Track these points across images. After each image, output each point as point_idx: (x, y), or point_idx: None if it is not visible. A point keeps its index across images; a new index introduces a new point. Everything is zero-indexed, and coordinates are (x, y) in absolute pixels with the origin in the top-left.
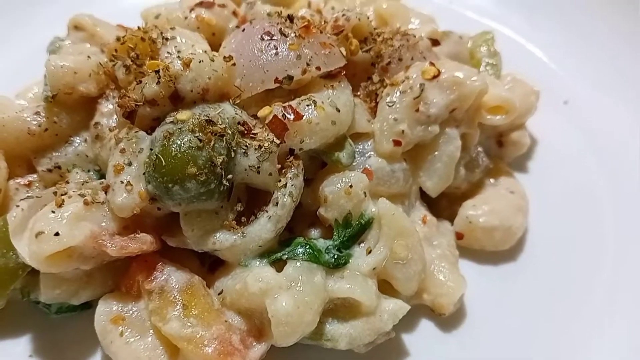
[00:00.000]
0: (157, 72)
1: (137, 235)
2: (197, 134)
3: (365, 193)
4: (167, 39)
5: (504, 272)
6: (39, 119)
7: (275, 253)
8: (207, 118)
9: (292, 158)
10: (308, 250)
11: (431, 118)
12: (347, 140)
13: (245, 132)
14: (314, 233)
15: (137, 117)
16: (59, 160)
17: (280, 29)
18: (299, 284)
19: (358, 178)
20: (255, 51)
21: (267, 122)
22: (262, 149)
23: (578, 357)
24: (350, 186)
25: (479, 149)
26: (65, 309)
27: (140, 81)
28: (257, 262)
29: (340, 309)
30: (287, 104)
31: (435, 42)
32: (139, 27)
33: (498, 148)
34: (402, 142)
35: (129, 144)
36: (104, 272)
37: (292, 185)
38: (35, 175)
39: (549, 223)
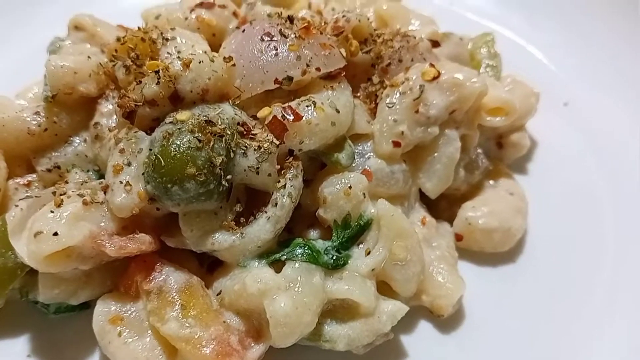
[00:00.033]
0: (157, 72)
1: (136, 235)
2: (196, 135)
3: (364, 194)
4: (167, 40)
5: (503, 273)
6: (39, 118)
7: (274, 254)
8: (206, 118)
9: (291, 159)
10: (307, 251)
11: (431, 119)
12: (347, 141)
13: (245, 132)
14: (313, 234)
15: (136, 117)
16: (59, 160)
17: (280, 29)
18: (297, 285)
19: (357, 179)
20: (255, 52)
21: (266, 122)
22: (262, 150)
23: (578, 358)
24: (350, 187)
25: (479, 150)
26: (63, 309)
27: (140, 81)
28: (256, 263)
29: (339, 310)
30: (286, 104)
31: (435, 44)
32: (139, 28)
33: (498, 150)
34: (402, 143)
35: (128, 144)
36: (102, 272)
37: (291, 186)
38: (34, 175)
39: (548, 225)
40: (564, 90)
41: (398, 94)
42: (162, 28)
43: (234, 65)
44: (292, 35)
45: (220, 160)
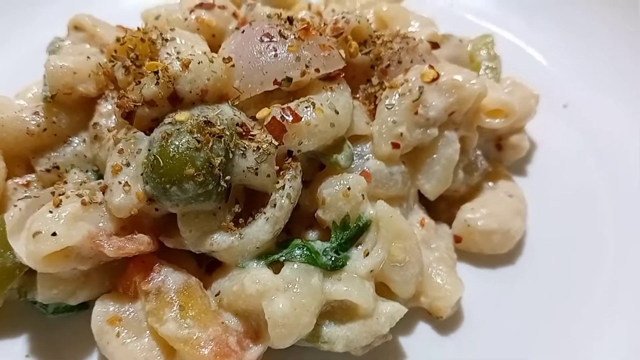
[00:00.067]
0: (156, 73)
1: (134, 235)
2: (195, 135)
3: (363, 195)
4: (166, 40)
5: (502, 275)
6: (38, 119)
7: (272, 255)
8: (205, 119)
9: (290, 160)
10: (305, 252)
11: (430, 121)
12: (346, 143)
13: (244, 133)
14: (312, 235)
15: (135, 117)
16: (58, 160)
17: (280, 30)
18: (296, 286)
19: (356, 180)
20: (255, 53)
21: (265, 123)
22: (261, 151)
23: (577, 359)
24: (349, 188)
25: (478, 152)
26: (62, 309)
27: (139, 82)
28: (255, 264)
29: (338, 312)
30: (285, 105)
31: (435, 45)
32: (138, 28)
33: (497, 151)
34: (401, 144)
35: (127, 144)
36: (101, 273)
37: (290, 187)
38: (33, 175)
39: (548, 227)
40: (564, 92)
41: (397, 96)
42: (161, 29)
43: (233, 66)
44: (292, 36)
45: (219, 161)
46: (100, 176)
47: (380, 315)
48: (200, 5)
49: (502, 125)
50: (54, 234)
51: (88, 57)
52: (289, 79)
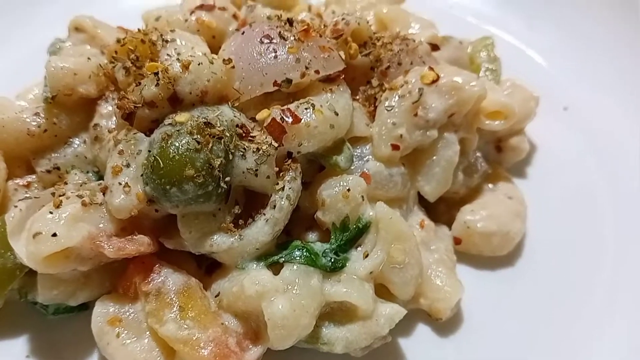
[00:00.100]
0: (156, 74)
1: (134, 236)
2: (195, 136)
3: (363, 197)
4: (167, 42)
5: (501, 277)
6: (39, 120)
7: (272, 256)
8: (205, 120)
9: (290, 161)
10: (305, 253)
11: (430, 122)
12: (346, 144)
13: (244, 134)
14: (312, 236)
15: (136, 118)
16: (58, 161)
17: (280, 32)
18: (295, 287)
19: (356, 182)
20: (255, 54)
21: (265, 125)
22: (260, 152)
23: None
24: (348, 190)
25: (478, 154)
26: (62, 309)
27: (140, 83)
28: (254, 265)
29: (337, 313)
30: (285, 107)
31: (434, 47)
32: (139, 29)
33: (497, 153)
34: (401, 146)
35: (127, 145)
36: (101, 274)
37: (290, 188)
38: (34, 176)
39: (548, 229)
40: (564, 94)
41: (397, 97)
42: (162, 30)
43: (233, 67)
44: (292, 38)
45: (218, 162)
46: (100, 177)
47: (380, 316)
48: (201, 7)
49: (501, 127)
50: (54, 235)
51: (88, 58)
52: (288, 81)
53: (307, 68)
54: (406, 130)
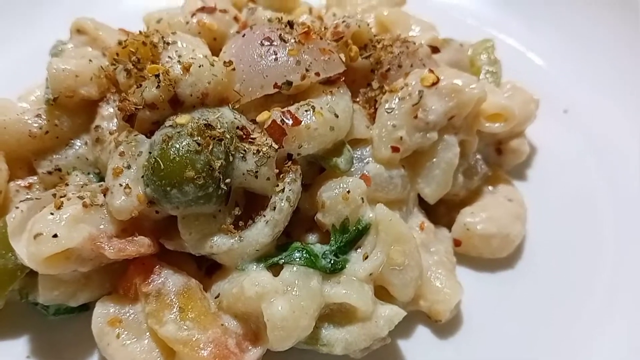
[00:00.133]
0: (157, 76)
1: (135, 238)
2: (195, 138)
3: (362, 199)
4: (168, 44)
5: (501, 279)
6: (40, 121)
7: (272, 257)
8: (206, 122)
9: (290, 163)
10: (305, 255)
11: (430, 125)
12: (346, 146)
13: (244, 136)
14: (311, 238)
15: (136, 120)
16: (59, 162)
17: (280, 34)
18: (295, 289)
19: (356, 184)
20: (255, 56)
21: (265, 127)
22: (261, 154)
23: None
24: (348, 192)
25: (478, 156)
26: (63, 310)
27: (141, 85)
28: (254, 266)
29: (337, 314)
30: (285, 109)
31: (435, 50)
32: (140, 32)
33: (497, 156)
34: (401, 148)
35: (128, 147)
36: (101, 275)
37: (290, 190)
38: (35, 178)
39: (547, 231)
40: (564, 96)
41: (397, 100)
42: (163, 32)
43: (233, 69)
44: (292, 40)
45: (219, 164)
46: (101, 178)
47: (379, 318)
48: (202, 9)
49: (502, 130)
50: (55, 236)
51: (90, 60)
52: (289, 83)
53: (307, 70)
54: (406, 132)
